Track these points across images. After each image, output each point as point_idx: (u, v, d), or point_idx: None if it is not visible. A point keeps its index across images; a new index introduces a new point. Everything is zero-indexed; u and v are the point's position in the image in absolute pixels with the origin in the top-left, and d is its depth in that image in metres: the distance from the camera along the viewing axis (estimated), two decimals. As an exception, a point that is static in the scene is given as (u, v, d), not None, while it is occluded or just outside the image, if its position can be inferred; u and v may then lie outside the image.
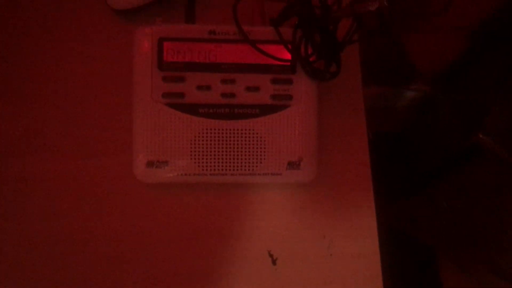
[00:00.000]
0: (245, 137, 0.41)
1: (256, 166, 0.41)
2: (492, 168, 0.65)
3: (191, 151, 0.40)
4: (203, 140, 0.41)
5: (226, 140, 0.41)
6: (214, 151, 0.41)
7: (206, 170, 0.41)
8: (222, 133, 0.41)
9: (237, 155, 0.41)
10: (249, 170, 0.41)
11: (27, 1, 0.46)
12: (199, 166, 0.41)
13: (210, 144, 0.41)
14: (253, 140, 0.41)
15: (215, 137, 0.41)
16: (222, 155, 0.41)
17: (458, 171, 0.70)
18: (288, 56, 0.42)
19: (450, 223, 0.81)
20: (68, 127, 0.44)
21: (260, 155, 0.41)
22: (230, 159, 0.41)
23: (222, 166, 0.41)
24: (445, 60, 0.90)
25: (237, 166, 0.41)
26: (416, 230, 0.89)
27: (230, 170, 0.41)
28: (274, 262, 0.43)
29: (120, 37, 0.46)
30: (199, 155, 0.41)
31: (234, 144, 0.41)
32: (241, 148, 0.41)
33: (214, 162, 0.41)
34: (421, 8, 0.81)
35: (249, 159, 0.41)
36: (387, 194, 0.91)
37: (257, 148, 0.41)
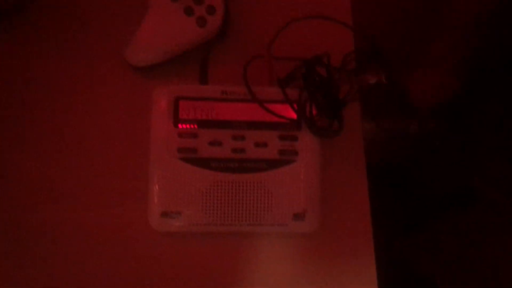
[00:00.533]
0: (253, 189, 0.44)
1: (263, 217, 0.44)
2: (489, 210, 0.67)
3: (202, 203, 0.43)
4: (214, 192, 0.43)
5: (236, 192, 0.44)
6: (224, 203, 0.44)
7: (217, 220, 0.44)
8: (232, 185, 0.44)
9: (246, 206, 0.44)
10: (256, 220, 0.44)
11: (46, 56, 0.50)
12: (210, 216, 0.43)
13: (221, 196, 0.44)
14: (260, 193, 0.44)
15: (225, 189, 0.44)
16: (232, 206, 0.44)
17: (457, 210, 0.73)
18: (293, 114, 0.45)
19: (453, 260, 0.83)
20: (87, 177, 0.47)
21: (267, 207, 0.44)
22: (239, 210, 0.44)
23: (232, 216, 0.44)
24: (449, 99, 0.93)
25: (246, 217, 0.44)
26: (421, 266, 0.91)
27: (238, 220, 0.44)
28: (278, 308, 0.46)
29: (137, 92, 0.49)
30: (210, 206, 0.43)
31: (243, 196, 0.44)
32: (250, 200, 0.44)
33: (224, 213, 0.44)
34: (422, 54, 0.85)
35: (257, 210, 0.44)
36: (391, 230, 0.94)
37: (264, 200, 0.44)
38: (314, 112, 0.45)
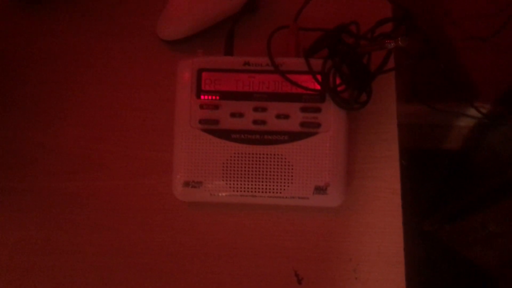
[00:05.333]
0: (274, 161, 0.43)
1: (284, 189, 0.43)
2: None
3: (223, 173, 0.44)
4: (234, 163, 0.44)
5: (256, 164, 0.43)
6: (245, 174, 0.43)
7: (237, 191, 0.44)
8: (253, 157, 0.43)
9: (266, 178, 0.43)
10: (277, 192, 0.44)
11: (79, 33, 0.53)
12: (230, 187, 0.44)
13: (241, 167, 0.43)
14: (281, 165, 0.43)
15: (245, 160, 0.43)
16: (252, 177, 0.43)
17: (506, 196, 0.68)
18: (317, 86, 0.44)
19: (499, 247, 0.78)
20: (119, 149, 0.49)
21: (288, 179, 0.43)
22: (259, 181, 0.43)
23: (252, 188, 0.43)
24: (504, 82, 0.87)
25: (266, 189, 0.43)
26: (470, 253, 0.86)
27: (259, 192, 0.44)
28: (299, 281, 0.45)
29: (168, 65, 0.50)
30: (230, 177, 0.44)
31: (263, 167, 0.43)
32: (270, 171, 0.43)
33: (244, 184, 0.43)
34: (474, 30, 0.79)
35: (277, 182, 0.43)
36: (441, 216, 0.89)
37: (285, 172, 0.43)
38: (338, 82, 0.43)
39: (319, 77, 0.43)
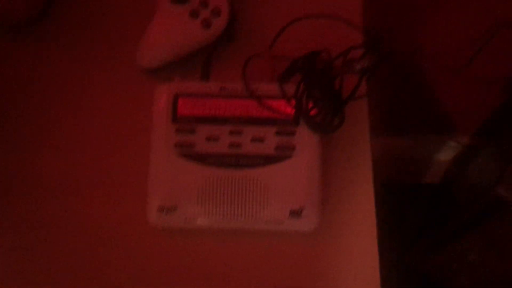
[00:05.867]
0: (249, 185, 0.43)
1: (259, 213, 0.43)
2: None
3: (198, 198, 0.43)
4: (209, 188, 0.43)
5: (231, 188, 0.43)
6: (220, 198, 0.43)
7: (212, 215, 0.43)
8: (228, 181, 0.44)
9: (241, 202, 0.43)
10: (252, 217, 0.43)
11: (58, 62, 0.54)
12: (205, 211, 0.43)
13: (216, 191, 0.43)
14: (256, 189, 0.43)
15: (220, 185, 0.43)
16: (227, 202, 0.43)
17: (484, 223, 0.69)
18: (291, 110, 0.45)
19: (483, 276, 0.78)
20: (94, 175, 0.49)
21: (263, 203, 0.43)
22: (234, 206, 0.43)
23: (227, 212, 0.43)
24: (480, 113, 0.89)
25: (241, 213, 0.43)
26: (452, 283, 0.86)
27: (234, 216, 0.43)
28: (275, 308, 0.45)
29: (145, 92, 0.51)
30: (206, 201, 0.43)
31: (238, 191, 0.43)
32: (245, 195, 0.43)
33: (220, 208, 0.43)
34: (447, 62, 0.82)
35: (252, 206, 0.43)
36: (422, 247, 0.89)
37: (260, 196, 0.43)
38: (310, 106, 0.44)
39: (292, 101, 0.44)
